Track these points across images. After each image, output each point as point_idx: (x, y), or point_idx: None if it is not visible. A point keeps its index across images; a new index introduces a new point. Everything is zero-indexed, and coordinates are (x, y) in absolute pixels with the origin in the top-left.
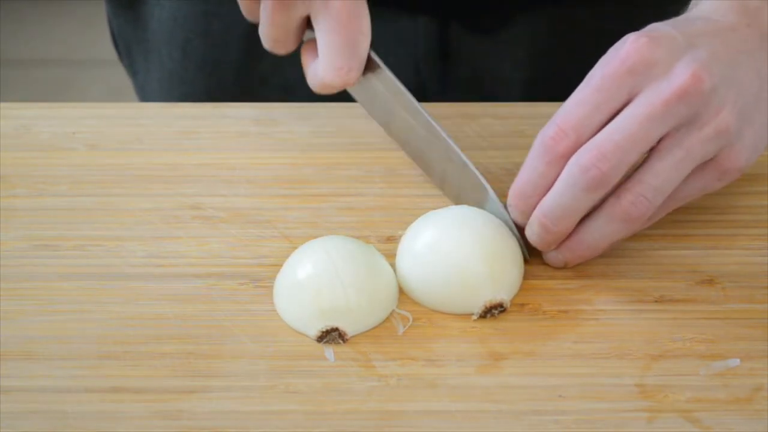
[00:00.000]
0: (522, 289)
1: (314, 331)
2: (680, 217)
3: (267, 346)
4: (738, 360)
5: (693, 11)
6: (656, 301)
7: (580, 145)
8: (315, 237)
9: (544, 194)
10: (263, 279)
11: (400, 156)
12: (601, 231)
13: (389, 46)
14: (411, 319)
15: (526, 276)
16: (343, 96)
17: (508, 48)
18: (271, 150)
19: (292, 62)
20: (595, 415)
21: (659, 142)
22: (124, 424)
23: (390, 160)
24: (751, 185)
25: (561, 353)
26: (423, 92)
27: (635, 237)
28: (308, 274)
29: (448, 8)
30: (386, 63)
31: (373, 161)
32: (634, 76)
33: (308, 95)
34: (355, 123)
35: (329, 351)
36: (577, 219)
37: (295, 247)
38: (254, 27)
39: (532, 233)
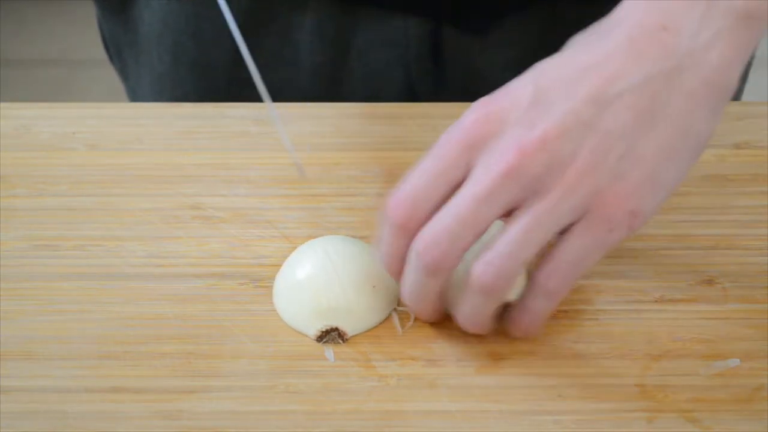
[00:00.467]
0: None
1: (314, 331)
2: (680, 217)
3: (267, 346)
4: (738, 360)
5: (614, 12)
6: (656, 301)
7: (418, 217)
8: (315, 237)
9: (399, 263)
10: (263, 279)
11: (400, 156)
12: (468, 308)
13: (379, 48)
14: (412, 319)
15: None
16: (343, 96)
17: (499, 49)
18: (271, 150)
19: (282, 63)
20: (595, 415)
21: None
22: (124, 424)
23: (390, 160)
24: (751, 185)
25: (561, 353)
26: (414, 93)
27: (635, 237)
28: (307, 274)
29: (440, 9)
30: (377, 64)
31: (373, 161)
32: (469, 150)
33: (297, 96)
34: (355, 123)
35: (329, 351)
36: (435, 298)
37: (295, 247)
38: (243, 28)
39: (408, 309)
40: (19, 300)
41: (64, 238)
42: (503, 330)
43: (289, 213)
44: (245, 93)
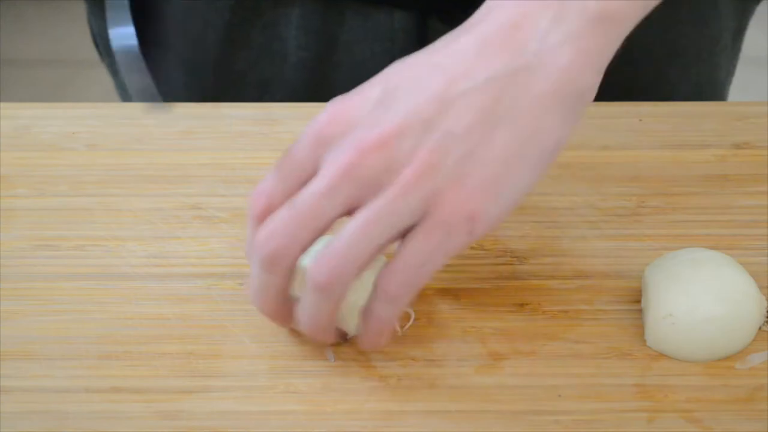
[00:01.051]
0: (522, 289)
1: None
2: (680, 217)
3: (267, 346)
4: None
5: (481, 8)
6: None
7: (271, 212)
8: None
9: (274, 301)
10: None
11: None
12: (309, 308)
13: (366, 41)
14: (413, 318)
15: (526, 276)
16: (330, 90)
17: None
18: (271, 150)
19: (269, 57)
20: (595, 415)
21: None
22: (124, 424)
23: None
24: (751, 185)
25: (561, 353)
26: None
27: (635, 237)
28: None
29: (425, 3)
30: (363, 57)
31: None
32: (318, 149)
33: (285, 90)
34: None
35: (329, 351)
36: (276, 297)
37: None
38: (230, 23)
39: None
40: (19, 300)
41: (64, 238)
42: (503, 329)
43: None
44: (234, 88)
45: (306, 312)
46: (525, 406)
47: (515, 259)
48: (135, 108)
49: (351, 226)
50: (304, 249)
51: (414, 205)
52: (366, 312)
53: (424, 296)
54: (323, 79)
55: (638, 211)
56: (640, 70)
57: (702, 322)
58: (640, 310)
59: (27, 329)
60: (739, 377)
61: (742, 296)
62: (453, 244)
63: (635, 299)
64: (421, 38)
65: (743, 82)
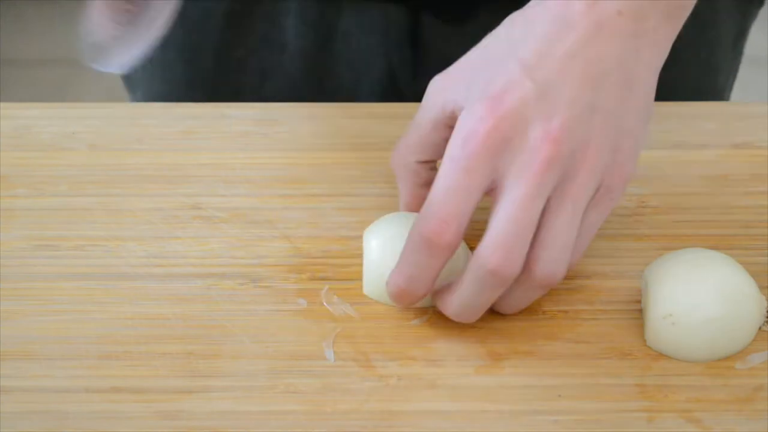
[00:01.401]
0: None
1: None
2: (680, 217)
3: (267, 346)
4: (765, 354)
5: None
6: None
7: (462, 231)
8: (315, 237)
9: (430, 285)
10: (263, 279)
11: None
12: (522, 299)
13: (360, 34)
14: (424, 318)
15: None
16: (328, 80)
17: (476, 38)
18: (271, 150)
19: (269, 47)
20: (595, 415)
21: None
22: (124, 424)
23: (390, 160)
24: (751, 185)
25: (561, 353)
26: (394, 80)
27: (635, 237)
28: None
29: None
30: (359, 49)
31: (373, 161)
32: (496, 155)
33: (285, 81)
34: (355, 123)
35: (329, 351)
36: (491, 304)
37: (296, 247)
38: (231, 12)
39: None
40: (19, 300)
41: (64, 238)
42: (503, 329)
43: (289, 213)
44: (234, 76)
45: (522, 305)
46: (525, 406)
47: None
48: (135, 108)
49: (561, 220)
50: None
51: (597, 182)
52: (507, 299)
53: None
54: (321, 68)
55: (638, 211)
56: None
57: (702, 322)
58: (640, 310)
59: (27, 329)
60: (739, 377)
61: (742, 296)
62: (611, 206)
63: (635, 299)
64: (413, 32)
65: (743, 82)
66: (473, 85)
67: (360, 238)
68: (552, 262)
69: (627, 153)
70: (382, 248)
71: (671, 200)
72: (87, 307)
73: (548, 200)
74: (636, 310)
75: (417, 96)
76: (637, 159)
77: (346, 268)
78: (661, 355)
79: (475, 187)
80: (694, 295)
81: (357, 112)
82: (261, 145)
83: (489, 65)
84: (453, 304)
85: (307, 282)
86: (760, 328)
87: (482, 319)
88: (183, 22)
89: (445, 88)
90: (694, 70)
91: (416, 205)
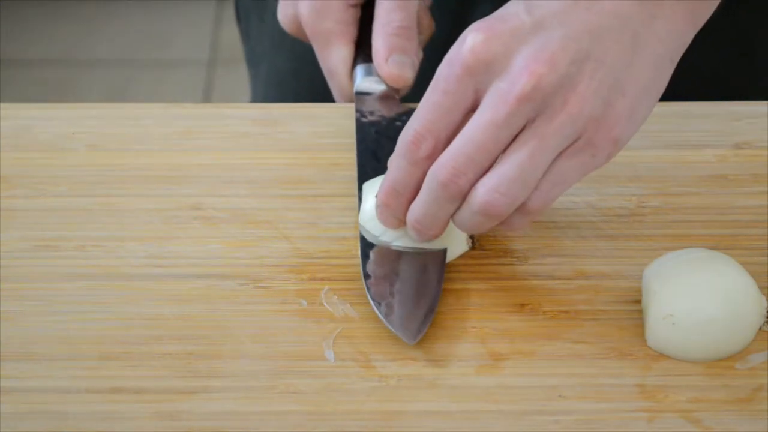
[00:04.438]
0: (522, 289)
1: None
2: (680, 217)
3: (267, 347)
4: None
5: None
6: None
7: (439, 146)
8: (315, 237)
9: (413, 192)
10: (263, 279)
11: None
12: (470, 221)
13: None
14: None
15: (526, 276)
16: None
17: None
18: (271, 150)
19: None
20: (596, 416)
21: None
22: (124, 424)
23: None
24: (751, 185)
25: (561, 353)
26: None
27: (635, 237)
28: None
29: None
30: None
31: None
32: (475, 76)
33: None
34: (354, 123)
35: (329, 351)
36: (446, 220)
37: (296, 248)
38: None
39: (412, 230)
40: (19, 300)
41: (64, 239)
42: (503, 329)
43: (289, 213)
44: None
45: (466, 228)
46: (525, 406)
47: (515, 259)
48: (135, 108)
49: (522, 153)
50: (482, 176)
51: (576, 129)
52: (503, 224)
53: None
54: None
55: (638, 211)
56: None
57: (702, 322)
58: (640, 310)
59: (27, 329)
60: (740, 377)
61: (742, 297)
62: (593, 164)
63: (635, 299)
64: None
65: None
66: None
67: (359, 238)
68: (493, 190)
69: (619, 113)
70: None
71: (671, 200)
72: (87, 307)
73: (518, 132)
74: (636, 310)
75: None
76: (632, 127)
77: (346, 269)
78: (661, 355)
79: (451, 107)
80: (694, 296)
81: None
82: (261, 145)
83: (502, 7)
84: (412, 211)
85: (307, 282)
86: (760, 328)
87: (482, 319)
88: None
89: None
90: None
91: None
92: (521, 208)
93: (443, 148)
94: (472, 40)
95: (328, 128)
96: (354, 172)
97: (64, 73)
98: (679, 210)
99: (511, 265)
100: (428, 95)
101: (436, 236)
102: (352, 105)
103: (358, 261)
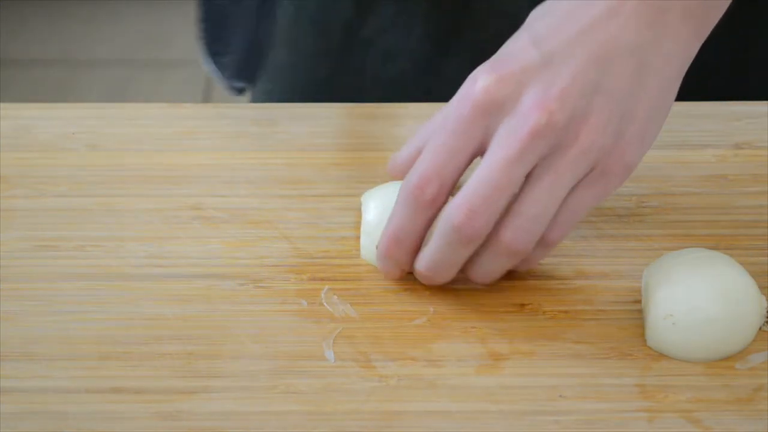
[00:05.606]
0: (522, 289)
1: None
2: (680, 217)
3: (267, 347)
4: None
5: None
6: None
7: (446, 190)
8: (315, 237)
9: (417, 240)
10: (263, 279)
11: None
12: (489, 267)
13: (488, 21)
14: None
15: (526, 276)
16: (368, 96)
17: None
18: (271, 150)
19: (397, 29)
20: (596, 416)
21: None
22: (124, 424)
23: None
24: (751, 185)
25: (561, 353)
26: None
27: (635, 237)
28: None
29: None
30: (486, 36)
31: (373, 161)
32: (486, 117)
33: (408, 64)
34: (355, 123)
35: (329, 351)
36: (460, 266)
37: (296, 248)
38: None
39: (421, 280)
40: (19, 300)
41: (64, 239)
42: (503, 329)
43: (289, 213)
44: (359, 55)
45: (486, 270)
46: (525, 406)
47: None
48: (135, 108)
49: (540, 189)
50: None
51: (590, 161)
52: (520, 261)
53: (423, 296)
54: (446, 52)
55: (638, 211)
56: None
57: (702, 322)
58: (640, 310)
59: (27, 329)
60: (740, 377)
61: (742, 296)
62: (607, 191)
63: (635, 299)
64: None
65: None
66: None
67: (360, 238)
68: (518, 229)
69: (630, 140)
70: (381, 211)
71: (671, 200)
72: (87, 307)
73: (534, 168)
74: (636, 310)
75: None
76: (643, 150)
77: (346, 269)
78: (661, 355)
79: (460, 149)
80: (694, 296)
81: (357, 112)
82: (261, 145)
83: (508, 41)
84: (422, 259)
85: (307, 282)
86: (760, 328)
87: (482, 319)
88: None
89: None
90: None
91: (405, 166)
92: (540, 242)
93: (448, 192)
94: (484, 80)
95: (328, 128)
96: (354, 172)
97: (64, 73)
98: (679, 210)
99: None
100: (434, 137)
101: (445, 281)
102: (353, 105)
103: (358, 261)
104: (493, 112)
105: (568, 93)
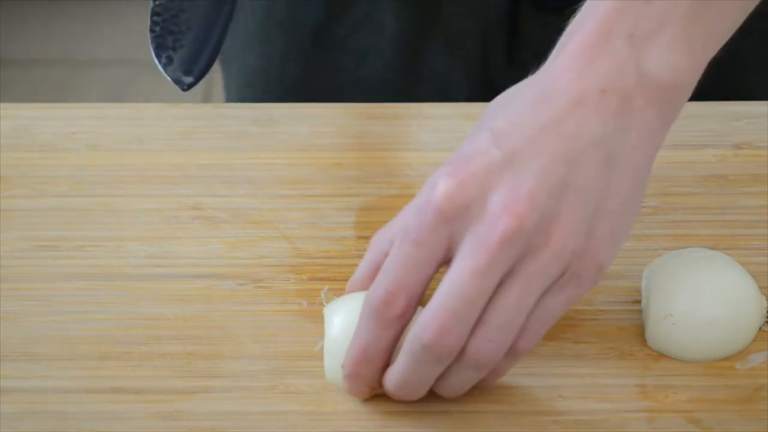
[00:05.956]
0: None
1: None
2: (680, 218)
3: (267, 346)
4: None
5: (546, 67)
6: None
7: (413, 303)
8: (315, 237)
9: (385, 357)
10: (263, 279)
11: (400, 156)
12: (455, 382)
13: (460, 17)
14: None
15: None
16: (344, 96)
17: None
18: (271, 150)
19: (369, 28)
20: (596, 416)
21: None
22: (124, 424)
23: (390, 160)
24: (751, 185)
25: (561, 353)
26: (488, 66)
27: (635, 237)
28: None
29: None
30: (457, 32)
31: (373, 161)
32: (449, 224)
33: (381, 62)
34: (355, 123)
35: None
36: (431, 383)
37: (296, 248)
38: None
39: (391, 396)
40: (19, 300)
41: (64, 239)
42: None
43: (289, 213)
44: (332, 55)
45: (454, 384)
46: (525, 406)
47: None
48: (135, 108)
49: (508, 299)
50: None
51: (559, 267)
52: (489, 373)
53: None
54: (417, 51)
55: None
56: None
57: (702, 322)
58: (640, 310)
59: (27, 329)
60: (740, 377)
61: (742, 297)
62: (578, 294)
63: (635, 299)
64: (512, 18)
65: None
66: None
67: (360, 238)
68: (485, 340)
69: (602, 239)
70: (345, 327)
71: (671, 200)
72: (87, 307)
73: (503, 276)
74: (636, 310)
75: (508, 84)
76: (615, 249)
77: (346, 269)
78: (661, 355)
79: (425, 260)
80: (694, 296)
81: (357, 112)
82: (261, 145)
83: (467, 137)
84: (391, 379)
85: (307, 282)
86: (760, 328)
87: None
88: None
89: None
90: None
91: (365, 279)
92: (509, 352)
93: (416, 305)
94: (444, 186)
95: (328, 128)
96: (354, 172)
97: (64, 73)
98: (679, 210)
99: None
100: (397, 248)
101: (417, 398)
102: (352, 105)
103: (358, 261)
104: (457, 218)
105: (536, 194)
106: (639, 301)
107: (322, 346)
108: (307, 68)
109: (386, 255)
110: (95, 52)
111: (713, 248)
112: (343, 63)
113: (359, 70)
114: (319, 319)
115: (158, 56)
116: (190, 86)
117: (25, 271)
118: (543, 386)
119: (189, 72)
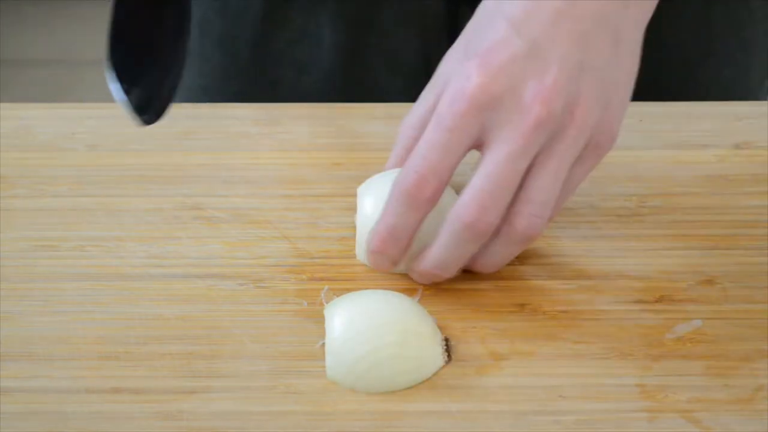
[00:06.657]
0: (522, 289)
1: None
2: (680, 217)
3: (267, 346)
4: (700, 321)
5: None
6: (656, 301)
7: (442, 187)
8: (315, 237)
9: (411, 236)
10: (263, 279)
11: None
12: (501, 254)
13: (397, 28)
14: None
15: (526, 276)
16: (344, 96)
17: None
18: (271, 150)
19: (306, 40)
20: (596, 416)
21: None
22: (124, 424)
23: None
24: (751, 185)
25: (561, 353)
26: (430, 72)
27: (635, 237)
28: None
29: None
30: (396, 42)
31: (373, 161)
32: (483, 113)
33: (321, 74)
34: (355, 123)
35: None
36: (465, 261)
37: (296, 248)
38: (269, 3)
39: (420, 279)
40: (19, 300)
41: (64, 238)
42: (503, 329)
43: (289, 213)
44: (271, 68)
45: (497, 259)
46: (525, 407)
47: (515, 259)
48: None
49: (547, 176)
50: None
51: (586, 138)
52: (487, 253)
53: (423, 296)
54: (358, 62)
55: (638, 211)
56: (671, 71)
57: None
58: (641, 310)
59: (27, 329)
60: (740, 377)
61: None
62: (597, 163)
63: (636, 299)
64: (452, 26)
65: None
66: (466, 48)
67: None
68: (532, 216)
69: (614, 110)
70: (376, 205)
71: (671, 200)
72: (87, 307)
73: (535, 156)
74: (636, 310)
75: None
76: (622, 116)
77: (346, 269)
78: (661, 355)
79: (457, 145)
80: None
81: (356, 112)
82: (261, 145)
83: (479, 27)
84: (430, 258)
85: (307, 282)
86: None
87: (482, 319)
88: (222, 13)
89: (446, 60)
90: (727, 71)
91: (400, 163)
92: (523, 238)
93: (443, 188)
94: (477, 77)
95: (328, 128)
96: (354, 172)
97: (64, 73)
98: (679, 210)
99: (511, 265)
100: (430, 134)
101: (448, 278)
102: (352, 105)
103: (358, 261)
104: (490, 108)
105: (560, 80)
106: (639, 301)
107: (323, 345)
108: (247, 83)
109: (415, 140)
110: (95, 52)
111: (713, 248)
112: (282, 76)
113: (300, 82)
114: (319, 319)
115: (117, 88)
116: (148, 122)
117: (25, 271)
118: (543, 386)
119: (148, 111)
